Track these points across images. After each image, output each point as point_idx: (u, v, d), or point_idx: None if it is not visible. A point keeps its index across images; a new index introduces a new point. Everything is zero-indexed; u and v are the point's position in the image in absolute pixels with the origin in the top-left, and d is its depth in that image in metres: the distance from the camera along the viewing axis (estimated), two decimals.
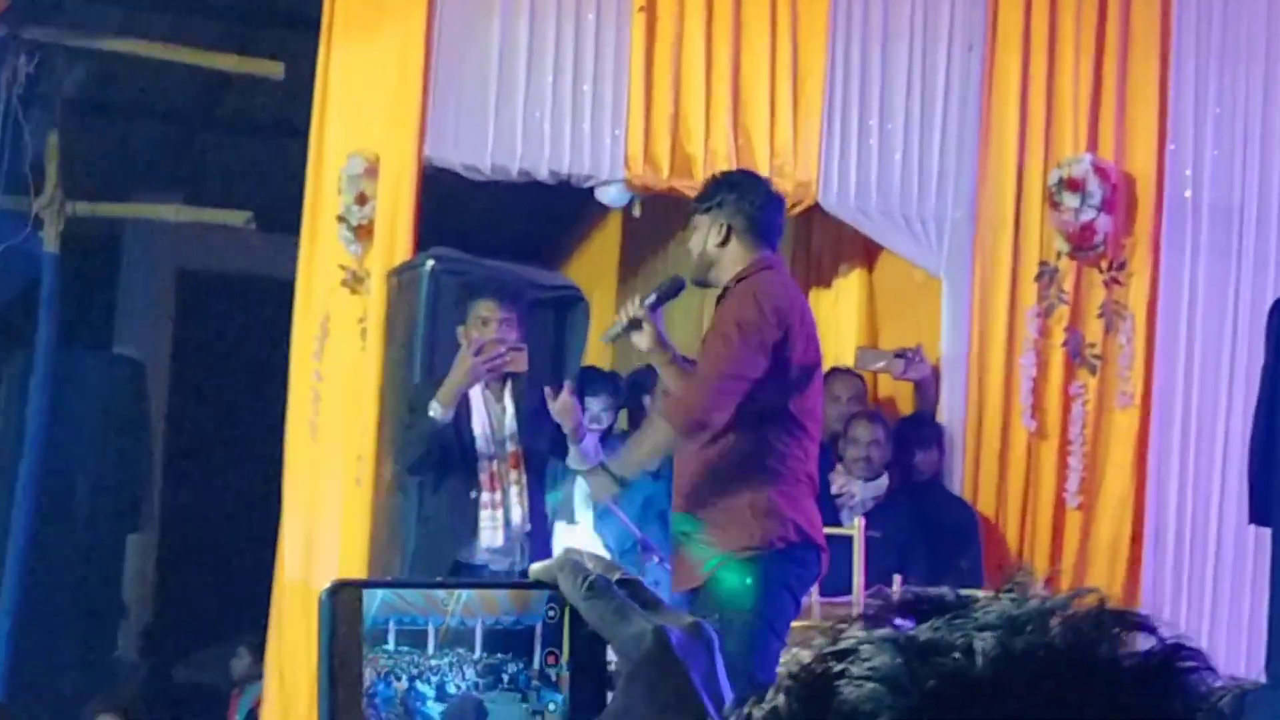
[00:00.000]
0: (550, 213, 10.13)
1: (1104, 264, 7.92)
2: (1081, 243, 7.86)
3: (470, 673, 1.16)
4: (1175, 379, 7.94)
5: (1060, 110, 7.99)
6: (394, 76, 7.67)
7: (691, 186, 7.64)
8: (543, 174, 7.76)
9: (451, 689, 1.16)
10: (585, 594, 1.17)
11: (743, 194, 5.71)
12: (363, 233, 7.61)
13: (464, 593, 1.17)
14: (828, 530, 5.84)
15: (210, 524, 11.02)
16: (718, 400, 5.61)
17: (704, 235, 5.70)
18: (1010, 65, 7.99)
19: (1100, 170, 7.84)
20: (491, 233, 9.22)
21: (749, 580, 5.43)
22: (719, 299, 5.80)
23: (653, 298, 5.74)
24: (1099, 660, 0.90)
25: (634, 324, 5.70)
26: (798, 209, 7.83)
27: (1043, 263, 7.94)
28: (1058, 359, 7.90)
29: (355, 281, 7.63)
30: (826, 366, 6.70)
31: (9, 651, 8.21)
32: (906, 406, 8.50)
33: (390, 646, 1.15)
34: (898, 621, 0.94)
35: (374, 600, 1.15)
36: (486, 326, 6.55)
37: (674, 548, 5.73)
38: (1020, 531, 7.85)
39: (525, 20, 7.75)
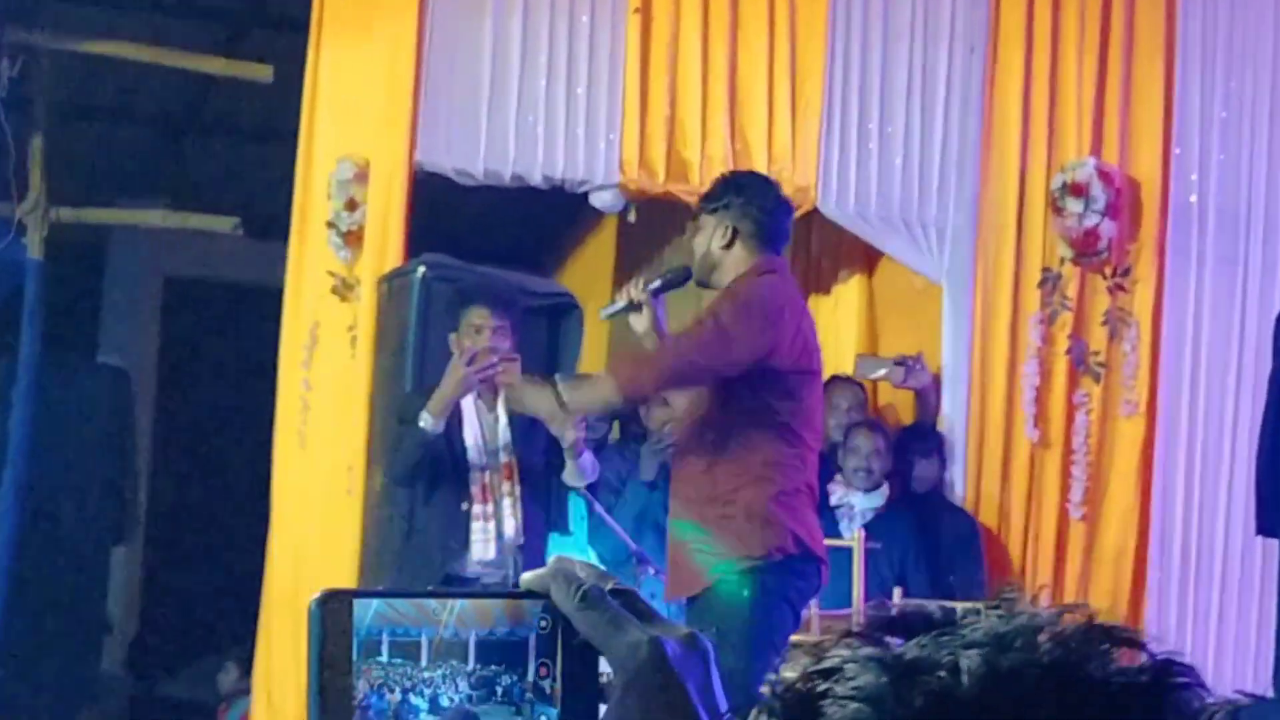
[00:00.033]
0: (544, 218, 10.15)
1: (1108, 270, 7.93)
2: (1085, 248, 7.88)
3: (463, 685, 1.17)
4: (1181, 387, 7.95)
5: (1063, 113, 8.00)
6: (384, 79, 7.68)
7: (688, 191, 7.66)
8: (536, 179, 7.76)
9: (445, 701, 1.16)
10: (578, 604, 1.17)
11: (750, 197, 5.70)
12: (352, 239, 7.61)
13: (457, 604, 1.18)
14: (827, 542, 5.84)
15: (197, 536, 11.03)
16: (666, 378, 5.68)
17: (708, 236, 5.70)
18: (1013, 67, 8.01)
19: (1104, 175, 7.85)
20: (484, 239, 9.23)
21: (746, 592, 5.43)
22: None
23: (657, 283, 5.75)
24: (1088, 678, 0.90)
25: (634, 306, 5.72)
26: (796, 214, 7.83)
27: (1046, 269, 7.95)
28: (1061, 367, 7.91)
29: (345, 288, 7.63)
30: (826, 375, 6.71)
31: None
32: (907, 415, 8.51)
33: (384, 658, 1.15)
34: (883, 639, 0.94)
35: (368, 611, 1.15)
36: (479, 334, 6.55)
37: (670, 555, 5.73)
38: (1023, 543, 7.86)
39: (518, 22, 7.75)
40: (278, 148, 8.27)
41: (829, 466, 7.46)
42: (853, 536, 7.18)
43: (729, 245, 5.65)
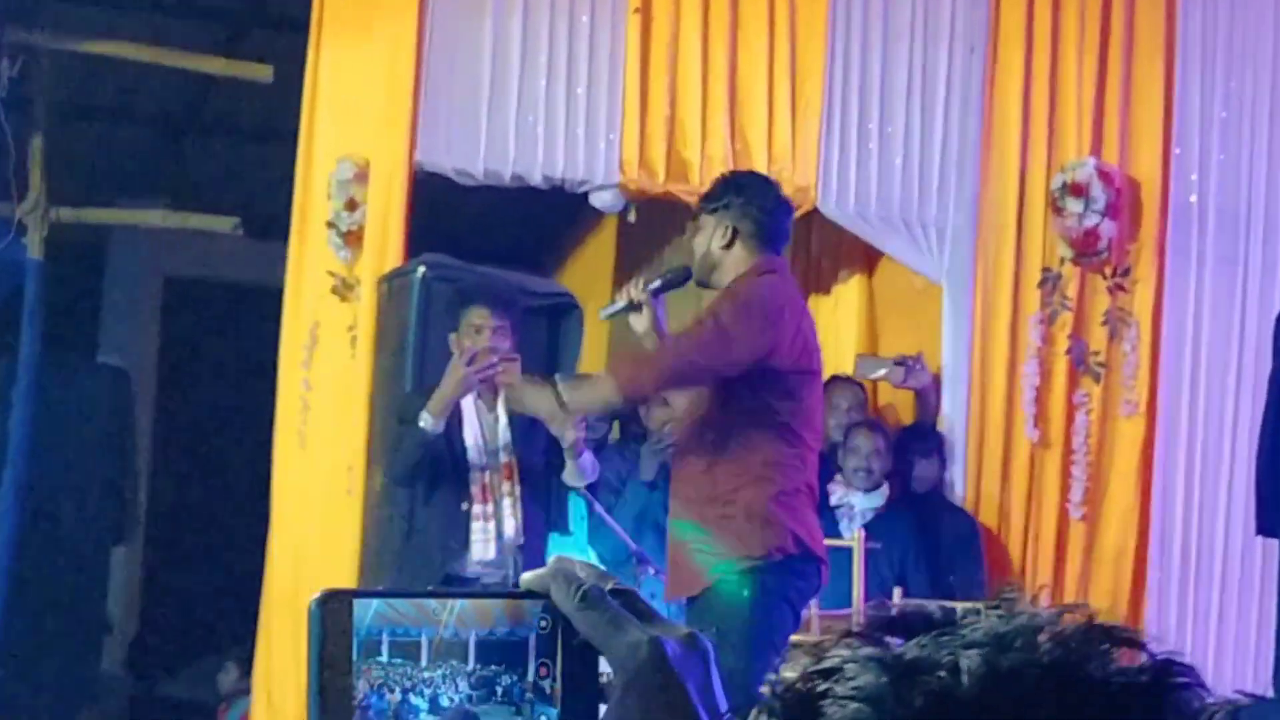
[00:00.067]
0: (544, 218, 10.15)
1: (1108, 270, 7.93)
2: (1085, 248, 7.88)
3: (463, 685, 1.17)
4: (1181, 387, 7.96)
5: (1063, 113, 8.01)
6: (384, 79, 7.68)
7: (688, 191, 7.66)
8: (536, 179, 7.77)
9: (445, 701, 1.16)
10: (578, 604, 1.17)
11: (750, 198, 5.70)
12: (352, 239, 7.61)
13: (457, 604, 1.18)
14: (827, 542, 5.84)
15: (197, 536, 11.04)
16: (666, 378, 5.70)
17: (709, 236, 5.70)
18: (1013, 67, 8.01)
19: (1104, 175, 7.86)
20: (484, 239, 9.24)
21: (746, 592, 5.43)
22: None
23: (657, 283, 5.75)
24: (1088, 678, 0.91)
25: (634, 306, 5.72)
26: (796, 214, 7.83)
27: (1046, 269, 7.95)
28: (1061, 367, 7.91)
29: (345, 288, 7.64)
30: (826, 375, 6.71)
31: None
32: (907, 415, 8.52)
33: (384, 658, 1.15)
34: (884, 639, 0.94)
35: (368, 611, 1.15)
36: (479, 334, 6.55)
37: (670, 555, 5.74)
38: (1023, 543, 7.86)
39: (518, 22, 7.75)
40: (278, 148, 8.28)
41: (829, 466, 7.46)
42: (853, 536, 7.18)
43: (729, 245, 5.66)
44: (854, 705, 0.91)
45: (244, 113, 10.16)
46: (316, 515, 7.57)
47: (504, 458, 6.60)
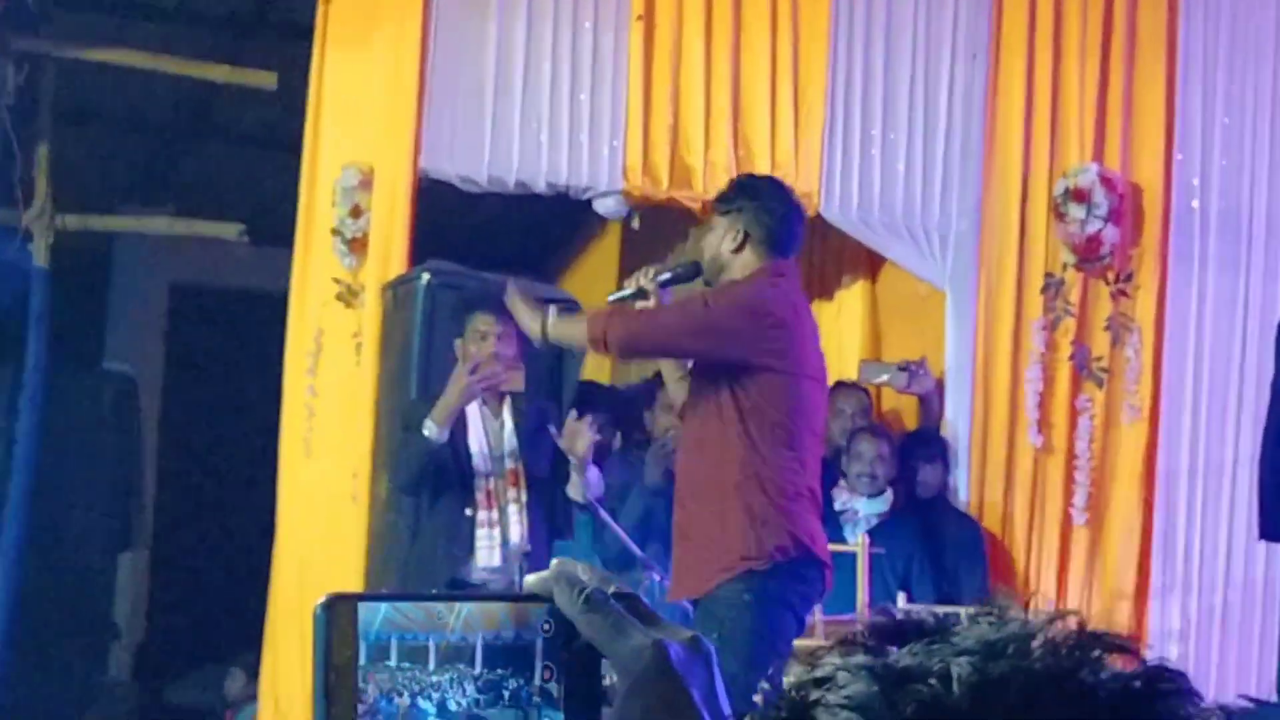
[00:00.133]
0: (547, 225, 10.17)
1: (1111, 276, 7.94)
2: (1088, 254, 7.88)
3: (470, 689, 1.18)
4: (1184, 392, 7.96)
5: (1066, 119, 8.01)
6: (389, 87, 7.69)
7: (691, 198, 7.68)
8: (540, 185, 7.77)
9: (453, 706, 1.17)
10: (582, 607, 1.17)
11: (763, 203, 5.71)
12: (357, 246, 7.62)
13: (464, 608, 1.19)
14: (831, 547, 5.84)
15: (203, 542, 11.04)
16: (638, 341, 5.76)
17: (719, 238, 5.72)
18: (1015, 73, 8.01)
19: (1106, 180, 7.86)
20: (488, 245, 9.25)
21: (748, 596, 5.44)
22: None
23: (667, 275, 5.77)
24: (1079, 684, 0.91)
25: (641, 294, 5.74)
26: None
27: (1048, 274, 7.95)
28: (1064, 372, 7.92)
29: (350, 295, 7.64)
30: (830, 380, 6.72)
31: None
32: (911, 421, 8.52)
33: (392, 662, 1.16)
34: (879, 647, 0.95)
35: (376, 616, 1.16)
36: (484, 341, 6.56)
37: (674, 558, 5.75)
38: (1026, 548, 7.86)
39: (522, 29, 7.76)
40: (282, 155, 8.29)
41: (833, 472, 7.47)
42: (857, 542, 7.19)
43: (739, 249, 5.67)
44: (845, 714, 0.92)
45: (248, 120, 10.18)
46: (322, 522, 7.57)
47: (509, 464, 6.60)
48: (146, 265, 11.48)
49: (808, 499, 5.59)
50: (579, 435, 6.46)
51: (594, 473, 6.54)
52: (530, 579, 1.21)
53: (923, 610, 0.98)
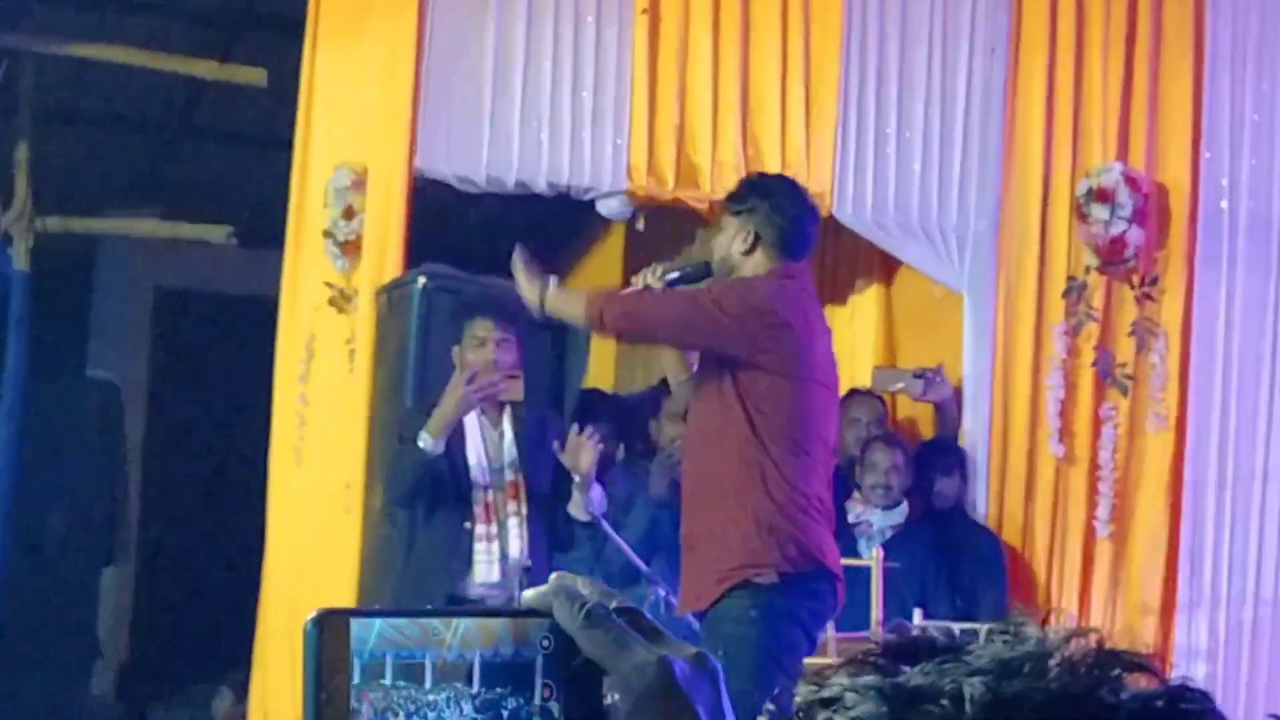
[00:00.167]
0: (548, 227, 10.15)
1: (1135, 279, 7.94)
2: (1111, 256, 7.88)
3: (468, 708, 1.17)
4: (1211, 400, 7.95)
5: (1088, 116, 8.01)
6: (383, 83, 7.70)
7: (698, 198, 7.69)
8: (540, 186, 7.78)
9: None
10: (582, 623, 1.17)
11: (775, 204, 5.72)
12: (350, 248, 7.63)
13: (461, 624, 1.18)
14: (845, 561, 5.84)
15: (190, 556, 11.04)
16: (635, 323, 5.80)
17: (729, 239, 5.73)
18: (1035, 69, 8.01)
19: (1131, 180, 7.86)
20: (487, 248, 9.22)
21: (753, 612, 5.44)
22: None
23: (675, 274, 5.78)
24: (1098, 704, 0.91)
25: (648, 291, 5.77)
26: None
27: (1070, 278, 7.95)
28: (1087, 379, 7.92)
29: (342, 300, 7.65)
30: (843, 387, 6.72)
31: None
32: (927, 430, 8.51)
33: (387, 681, 1.16)
34: (890, 666, 0.94)
35: (371, 633, 1.16)
36: (483, 347, 6.55)
37: (683, 569, 5.76)
38: (1048, 562, 7.86)
39: (521, 23, 7.77)
40: (272, 154, 8.30)
41: (846, 483, 7.47)
42: (871, 555, 7.18)
43: (749, 251, 5.68)
44: None
45: (237, 118, 10.19)
46: (313, 535, 7.58)
47: (509, 476, 6.59)
48: (131, 269, 11.49)
49: (818, 509, 5.59)
50: (582, 451, 6.46)
51: (597, 490, 6.54)
52: (528, 594, 1.20)
53: (939, 628, 0.98)
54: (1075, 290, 7.94)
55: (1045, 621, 0.96)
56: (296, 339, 7.71)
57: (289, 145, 7.81)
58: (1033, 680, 0.92)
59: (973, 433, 7.96)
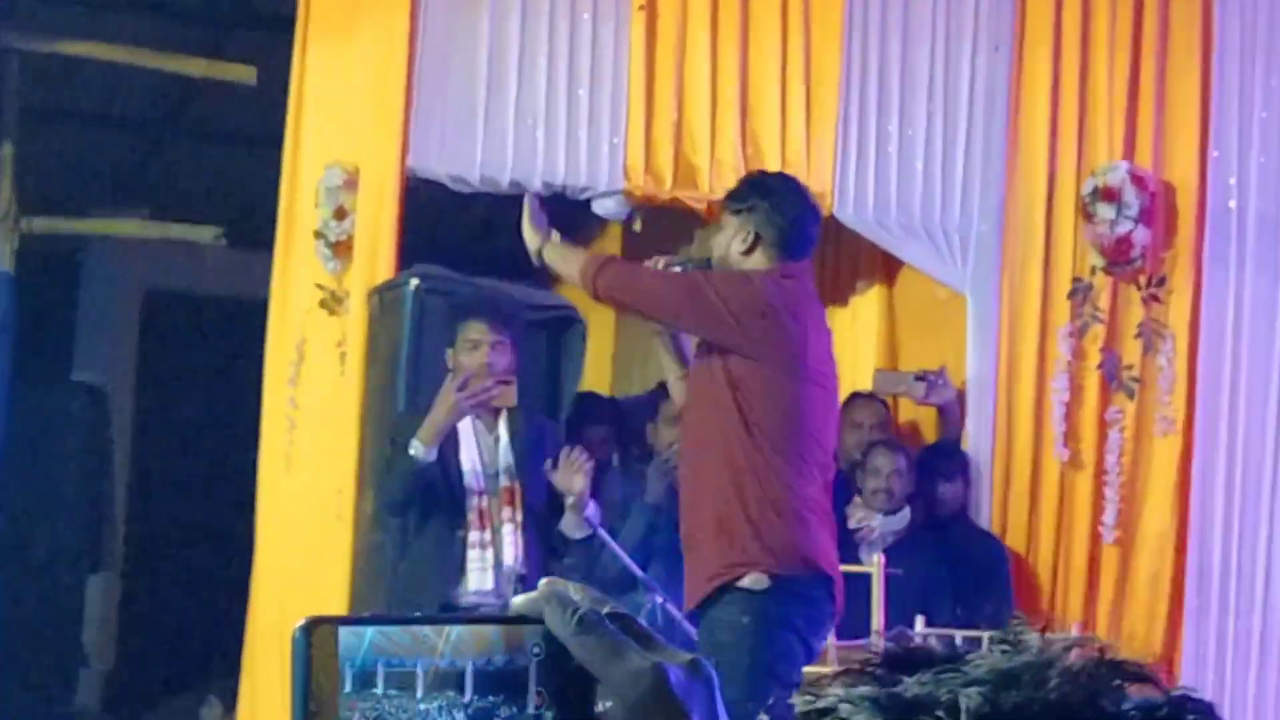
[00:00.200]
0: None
1: (1142, 280, 7.94)
2: (1117, 257, 7.89)
3: (460, 717, 1.17)
4: (1219, 403, 7.95)
5: (1094, 114, 8.01)
6: (374, 80, 7.70)
7: (696, 198, 7.69)
8: (535, 185, 7.76)
9: None
10: (575, 629, 1.17)
11: (776, 204, 5.74)
12: (341, 249, 7.63)
13: (453, 631, 1.19)
14: (845, 568, 5.85)
15: (178, 563, 11.03)
16: (626, 293, 5.87)
17: (729, 239, 5.74)
18: (1040, 66, 8.02)
19: (1137, 179, 7.86)
20: (481, 249, 9.25)
21: (745, 619, 5.45)
22: None
23: (676, 268, 5.80)
24: (1099, 714, 0.91)
25: (649, 267, 5.79)
26: None
27: (1076, 279, 7.95)
28: (1092, 382, 7.92)
29: (333, 301, 7.65)
30: (844, 390, 6.72)
31: None
32: (930, 433, 8.52)
33: (378, 690, 1.16)
34: (887, 676, 0.95)
35: (362, 641, 1.16)
36: (476, 350, 6.55)
37: (685, 566, 5.78)
38: (1053, 568, 7.86)
39: (516, 20, 7.77)
40: (262, 153, 8.30)
41: (847, 488, 7.47)
42: (872, 562, 7.18)
43: (749, 251, 5.70)
44: None
45: (226, 117, 10.19)
46: (303, 541, 7.58)
47: (505, 482, 6.59)
48: (118, 270, 11.47)
49: (815, 512, 5.60)
50: (576, 472, 6.47)
51: (592, 507, 6.55)
52: (518, 600, 1.20)
53: (941, 636, 0.98)
54: (1080, 291, 7.94)
55: (1045, 630, 0.96)
56: (287, 341, 7.72)
57: (279, 144, 7.82)
58: (1032, 691, 0.92)
59: (976, 437, 7.96)
